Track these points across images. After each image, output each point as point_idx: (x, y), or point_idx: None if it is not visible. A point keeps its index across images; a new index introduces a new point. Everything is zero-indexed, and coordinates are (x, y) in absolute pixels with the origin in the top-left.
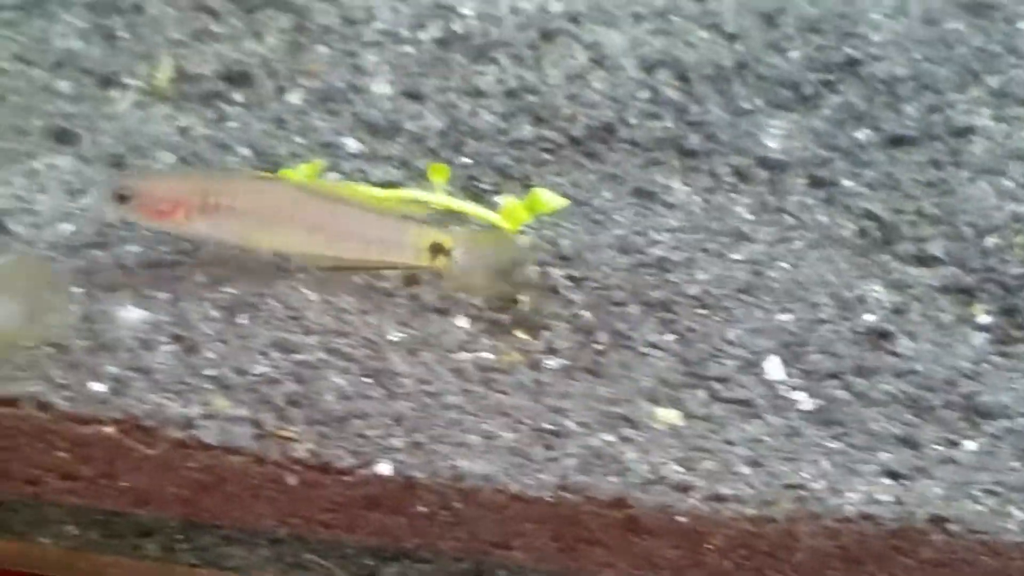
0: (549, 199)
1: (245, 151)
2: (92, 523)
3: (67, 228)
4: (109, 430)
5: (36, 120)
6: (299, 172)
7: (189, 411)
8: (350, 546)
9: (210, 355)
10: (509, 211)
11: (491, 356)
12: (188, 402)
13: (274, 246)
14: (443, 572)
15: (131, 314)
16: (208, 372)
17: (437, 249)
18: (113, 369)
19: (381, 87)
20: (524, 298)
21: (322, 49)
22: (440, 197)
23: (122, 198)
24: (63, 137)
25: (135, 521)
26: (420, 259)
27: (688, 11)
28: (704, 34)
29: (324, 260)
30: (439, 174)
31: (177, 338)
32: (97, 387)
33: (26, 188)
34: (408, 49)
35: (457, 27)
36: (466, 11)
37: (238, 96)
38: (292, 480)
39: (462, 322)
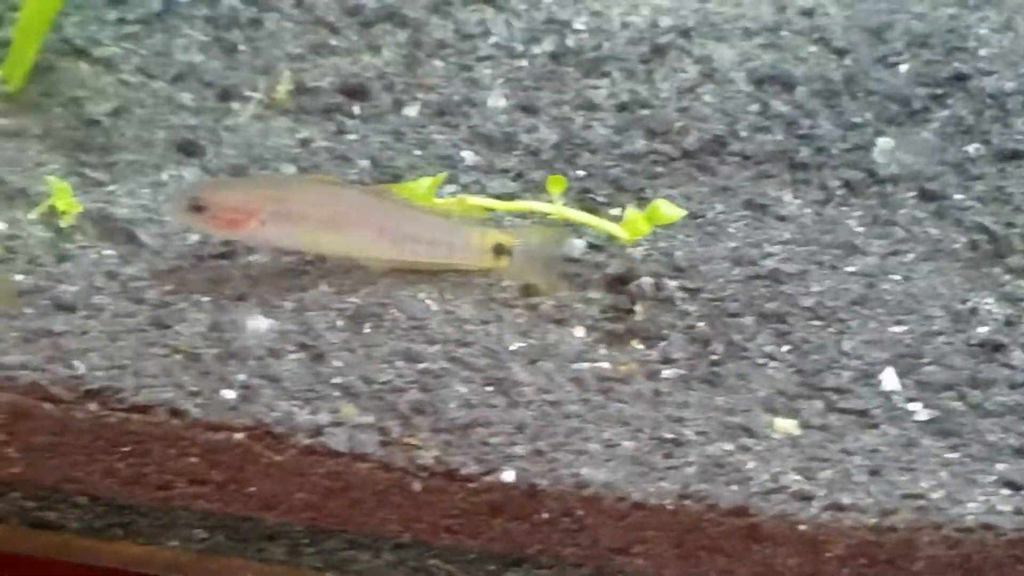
0: (669, 210)
1: (364, 163)
2: (219, 527)
3: (194, 238)
4: (239, 436)
5: (160, 132)
6: (420, 185)
7: (317, 418)
8: (472, 551)
9: (336, 363)
10: (630, 222)
11: (608, 366)
12: (316, 409)
13: (342, 251)
14: None
15: (259, 323)
16: (335, 380)
17: (500, 250)
18: (242, 377)
19: (496, 100)
20: (638, 308)
21: (438, 63)
22: (558, 208)
23: (197, 209)
24: (187, 149)
25: (262, 526)
26: (483, 260)
27: (797, 26)
28: (813, 48)
29: (389, 263)
30: (557, 186)
31: (304, 347)
32: (228, 394)
33: (152, 199)
34: (522, 63)
35: (570, 41)
36: (578, 26)
37: (356, 109)
38: (417, 486)
39: (579, 332)
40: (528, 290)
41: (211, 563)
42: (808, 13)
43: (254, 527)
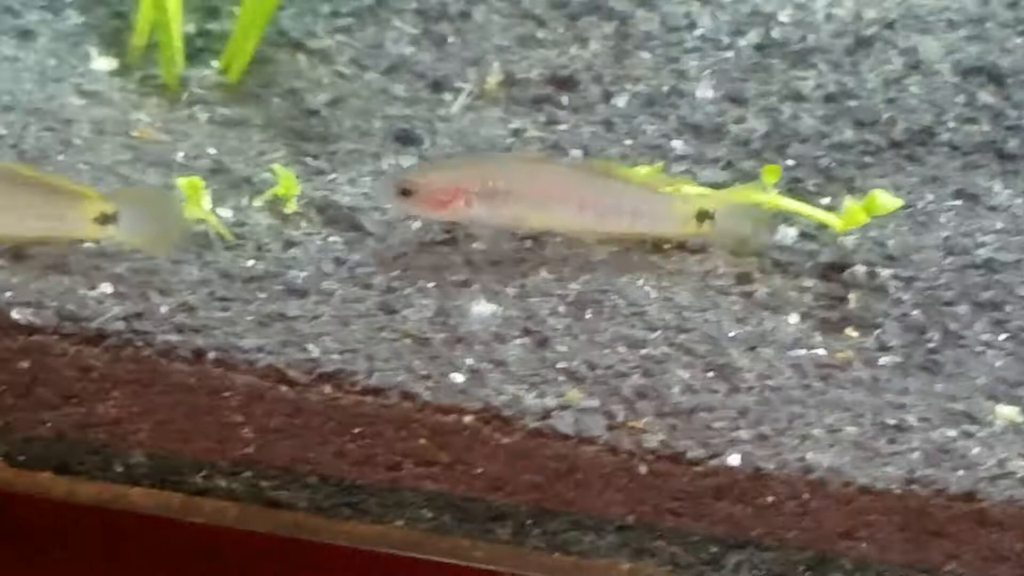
0: (886, 200)
1: (576, 152)
2: (446, 508)
3: (416, 225)
4: (468, 419)
5: (376, 122)
6: (636, 174)
7: (544, 402)
8: (696, 534)
9: (560, 348)
10: (848, 212)
11: (825, 353)
12: (542, 393)
13: (547, 225)
14: (786, 561)
15: (483, 308)
16: (560, 365)
17: (703, 216)
18: (470, 361)
19: (704, 91)
20: (852, 296)
21: (645, 55)
22: (771, 196)
23: (405, 192)
24: (404, 138)
25: (487, 506)
26: (687, 227)
27: (1002, 17)
28: (1019, 40)
29: (595, 235)
30: (771, 175)
31: (528, 332)
32: (456, 378)
33: (373, 187)
34: (728, 55)
35: (775, 33)
36: (783, 18)
37: (565, 100)
38: (643, 469)
39: (794, 319)
40: (742, 278)
41: (441, 542)
42: (1013, 5)
43: (479, 507)
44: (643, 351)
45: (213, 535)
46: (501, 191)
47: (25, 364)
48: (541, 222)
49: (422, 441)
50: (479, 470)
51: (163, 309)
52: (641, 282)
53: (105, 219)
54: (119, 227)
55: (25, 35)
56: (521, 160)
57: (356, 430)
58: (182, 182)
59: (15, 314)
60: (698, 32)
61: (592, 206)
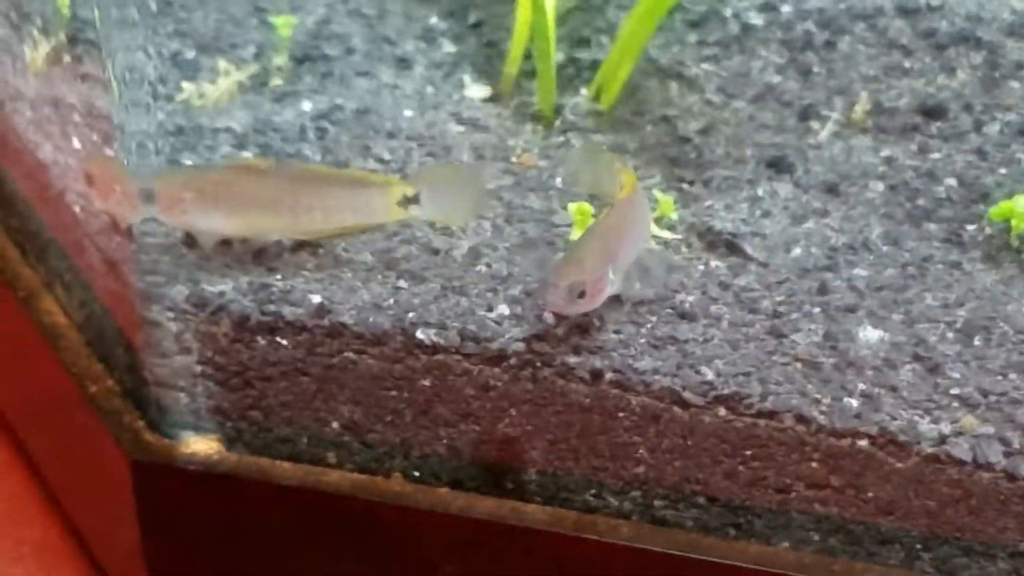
0: None
1: (951, 181)
2: (833, 531)
3: (796, 251)
4: (863, 443)
5: (748, 149)
6: (1018, 204)
7: (940, 427)
8: None
9: (953, 375)
10: None
11: None
12: (937, 419)
13: (250, 232)
14: None
15: (870, 334)
16: (953, 391)
17: (406, 200)
18: (862, 385)
19: None
20: None
21: (1015, 84)
22: None
23: (147, 197)
24: (777, 165)
25: (874, 530)
26: (394, 214)
27: None
28: None
29: (309, 234)
30: None
31: (918, 357)
32: (850, 402)
33: (750, 213)
34: None
35: None
36: None
37: (934, 129)
38: None
39: None
40: None
41: (834, 564)
42: None
43: (868, 532)
44: None
45: (606, 551)
46: (206, 199)
47: (426, 383)
48: (255, 228)
49: (813, 464)
50: (870, 494)
51: (559, 331)
52: None
53: (408, 201)
54: (421, 207)
55: (402, 63)
56: (223, 168)
57: (748, 452)
58: (572, 208)
59: (419, 334)
60: None
61: (288, 208)
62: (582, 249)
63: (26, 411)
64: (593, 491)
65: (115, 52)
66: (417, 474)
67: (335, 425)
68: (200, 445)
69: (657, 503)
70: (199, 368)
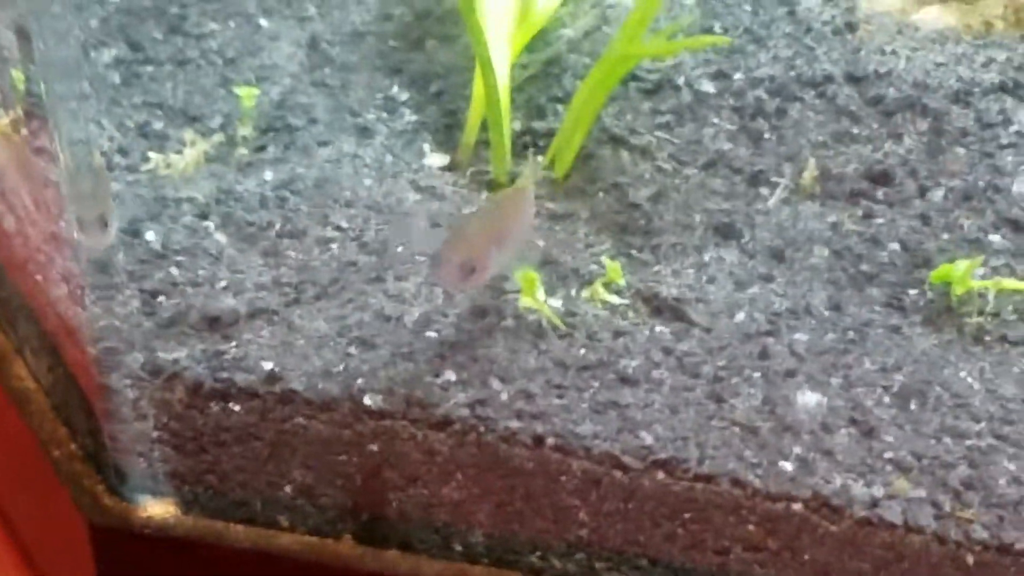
0: None
1: (894, 246)
2: None
3: (740, 316)
4: (797, 507)
5: (697, 216)
6: (958, 268)
7: (872, 491)
8: None
9: (888, 439)
10: None
11: None
12: (870, 483)
13: None
14: None
15: (808, 398)
16: (887, 455)
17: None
18: (798, 450)
19: (1021, 186)
20: None
21: (960, 150)
22: None
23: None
24: (724, 232)
25: None
26: None
27: None
28: None
29: None
30: None
31: (853, 421)
32: (785, 466)
33: (696, 279)
34: None
35: None
36: None
37: (881, 194)
38: (970, 560)
39: None
40: None
41: None
42: None
43: None
44: (968, 442)
45: None
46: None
47: (374, 447)
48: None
49: (751, 527)
50: (805, 556)
51: (503, 396)
52: (963, 373)
53: None
54: None
55: (364, 132)
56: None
57: (687, 515)
58: (518, 274)
59: (367, 400)
60: (1013, 128)
61: None
62: (472, 226)
63: (2, 473)
64: (538, 553)
65: (61, 124)
66: (368, 536)
67: (287, 489)
68: (157, 508)
69: (599, 565)
70: (155, 433)
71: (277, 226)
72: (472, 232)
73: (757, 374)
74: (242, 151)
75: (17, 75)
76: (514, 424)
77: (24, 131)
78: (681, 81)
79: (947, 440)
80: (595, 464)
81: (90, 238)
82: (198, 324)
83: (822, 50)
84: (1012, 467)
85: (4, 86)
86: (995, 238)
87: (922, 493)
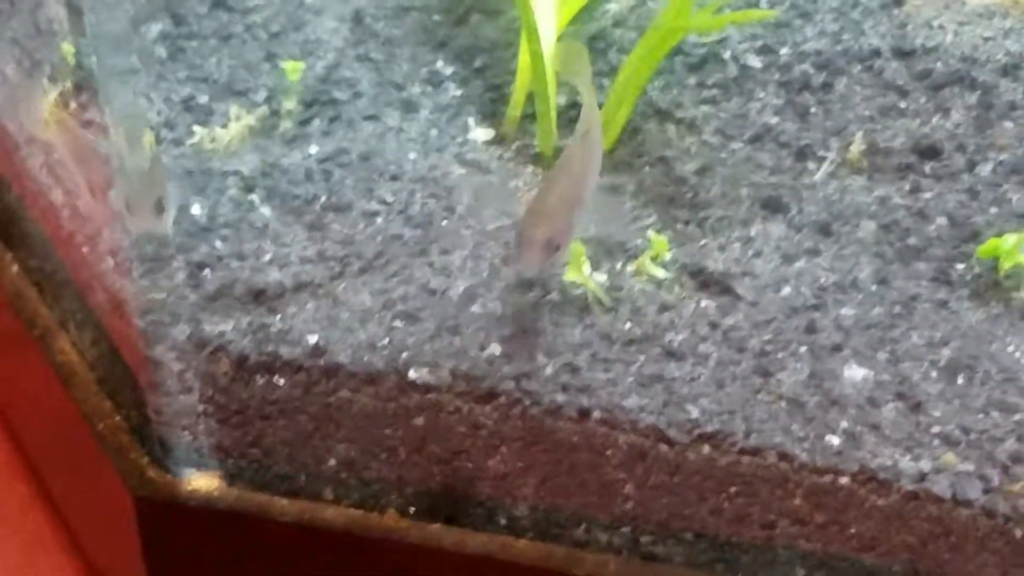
0: None
1: (942, 220)
2: (819, 566)
3: (786, 290)
4: (844, 480)
5: (743, 190)
6: (1006, 242)
7: (920, 465)
8: None
9: (935, 413)
10: None
11: None
12: (918, 456)
13: None
14: None
15: (855, 372)
16: (934, 429)
17: None
18: (844, 424)
19: None
20: None
21: (1008, 124)
22: None
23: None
24: (772, 205)
25: (860, 566)
26: None
27: None
28: None
29: None
30: None
31: (901, 396)
32: (832, 440)
33: (743, 253)
34: None
35: None
36: None
37: (928, 169)
38: (1019, 533)
39: None
40: None
41: None
42: None
43: (850, 567)
44: (1017, 416)
45: None
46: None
47: (419, 421)
48: None
49: (797, 501)
50: (852, 530)
51: (548, 370)
52: (1011, 348)
53: None
54: None
55: (408, 107)
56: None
57: (733, 489)
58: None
59: (412, 374)
60: None
61: None
62: (549, 198)
63: (46, 449)
64: (583, 527)
65: (113, 98)
66: (412, 510)
67: (332, 462)
68: (202, 482)
69: (645, 539)
70: (200, 406)
71: (322, 199)
72: (549, 205)
73: (803, 348)
74: (287, 125)
75: (67, 48)
76: (559, 397)
77: (73, 104)
78: (727, 55)
79: (995, 414)
80: (641, 437)
81: (146, 223)
82: (243, 297)
83: (869, 24)
84: None
85: (53, 59)
86: None
87: (970, 467)
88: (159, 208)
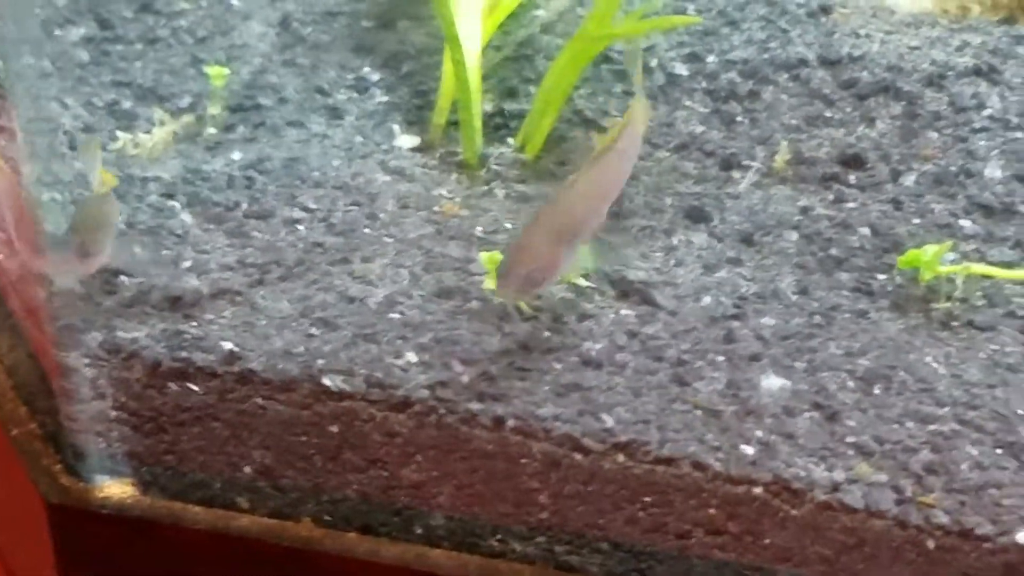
0: None
1: (864, 231)
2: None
3: (706, 300)
4: (758, 490)
5: (668, 199)
6: (926, 253)
7: (833, 475)
8: None
9: (850, 423)
10: None
11: None
12: (832, 467)
13: None
14: None
15: (772, 382)
16: (849, 439)
17: None
18: (760, 433)
19: (993, 171)
20: None
21: (933, 134)
22: None
23: None
24: (695, 215)
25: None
26: None
27: None
28: None
29: None
30: None
31: (816, 406)
32: (747, 449)
33: (664, 263)
34: (1018, 135)
35: None
36: None
37: (853, 178)
38: (931, 544)
39: None
40: None
41: None
42: None
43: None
44: (931, 427)
45: None
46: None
47: (334, 429)
48: None
49: (712, 511)
50: (767, 540)
51: (464, 378)
52: (928, 358)
53: None
54: None
55: (334, 113)
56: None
57: (647, 498)
58: (483, 257)
59: (326, 381)
60: (986, 112)
61: None
62: (538, 232)
63: None
64: (498, 536)
65: (21, 102)
66: (327, 519)
67: (247, 470)
68: (115, 489)
69: (560, 549)
70: (114, 413)
71: (244, 206)
72: (536, 238)
73: (721, 358)
74: (211, 131)
75: None
76: (474, 406)
77: None
78: (654, 63)
79: (910, 425)
80: (555, 446)
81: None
82: (160, 303)
83: (796, 32)
84: (975, 452)
85: None
86: (966, 223)
87: (884, 478)
88: (83, 251)
